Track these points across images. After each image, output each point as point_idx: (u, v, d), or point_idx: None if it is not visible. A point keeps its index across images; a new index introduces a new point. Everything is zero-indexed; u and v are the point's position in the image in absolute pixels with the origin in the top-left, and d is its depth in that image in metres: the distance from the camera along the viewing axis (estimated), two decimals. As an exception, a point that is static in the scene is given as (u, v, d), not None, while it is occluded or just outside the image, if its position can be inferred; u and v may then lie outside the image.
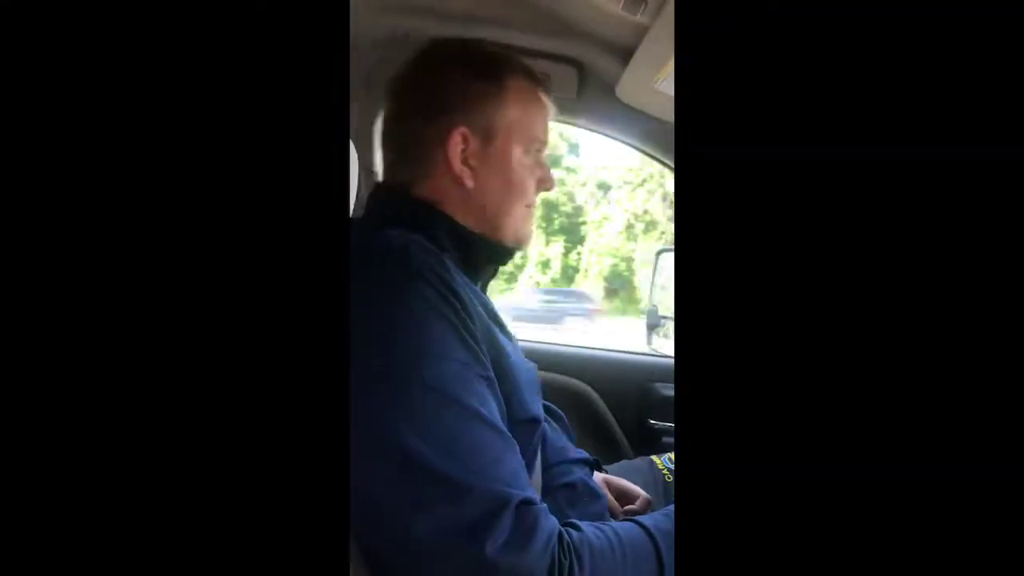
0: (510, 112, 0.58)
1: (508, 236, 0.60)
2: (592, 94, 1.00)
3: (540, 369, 0.61)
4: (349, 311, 0.33)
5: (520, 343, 0.60)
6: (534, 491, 0.46)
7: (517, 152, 0.58)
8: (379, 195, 0.62)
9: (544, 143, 0.61)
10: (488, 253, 0.60)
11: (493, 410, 0.47)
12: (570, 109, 1.02)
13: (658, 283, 1.19)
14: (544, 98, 0.61)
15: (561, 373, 1.25)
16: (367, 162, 1.19)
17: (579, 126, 1.10)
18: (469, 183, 0.57)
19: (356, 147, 0.83)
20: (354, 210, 0.84)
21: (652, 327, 1.19)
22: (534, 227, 0.64)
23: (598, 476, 0.70)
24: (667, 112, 0.99)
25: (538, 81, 0.61)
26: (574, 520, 0.48)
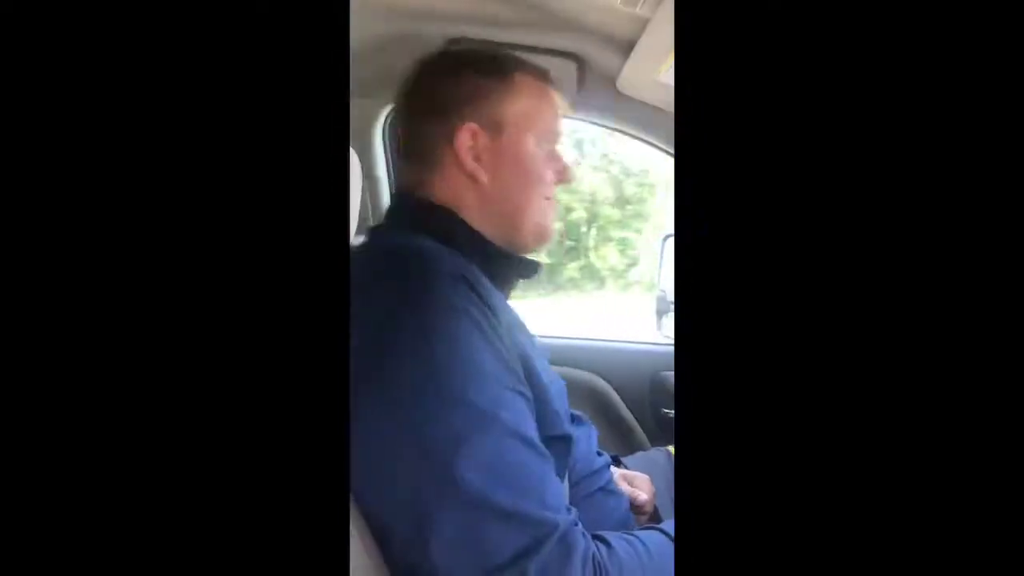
0: (518, 105, 0.58)
1: (529, 231, 0.59)
2: (593, 87, 1.00)
3: (550, 363, 0.61)
4: (351, 313, 0.32)
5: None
6: (570, 508, 0.46)
7: (529, 143, 0.58)
8: (398, 201, 0.62)
9: (557, 135, 0.61)
10: (508, 265, 0.59)
11: (532, 429, 0.46)
12: (572, 103, 1.01)
13: (665, 268, 1.19)
14: (552, 92, 0.62)
15: (571, 366, 1.25)
16: (368, 167, 1.19)
17: (582, 120, 1.10)
18: (483, 178, 0.57)
19: (356, 152, 0.83)
20: (360, 215, 0.84)
21: (661, 313, 1.19)
22: (553, 222, 0.62)
23: (614, 471, 0.70)
24: (670, 103, 0.98)
25: (545, 76, 0.61)
26: (602, 534, 0.48)
